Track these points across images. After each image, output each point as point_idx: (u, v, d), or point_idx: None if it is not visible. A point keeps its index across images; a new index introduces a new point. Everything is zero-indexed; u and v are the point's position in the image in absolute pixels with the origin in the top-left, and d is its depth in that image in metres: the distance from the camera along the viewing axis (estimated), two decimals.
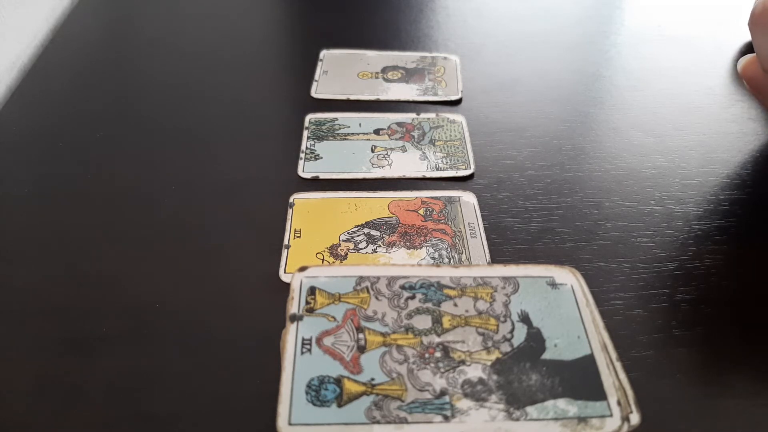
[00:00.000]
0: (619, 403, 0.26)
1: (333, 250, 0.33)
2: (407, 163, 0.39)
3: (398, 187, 0.38)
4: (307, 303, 0.30)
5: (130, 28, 0.54)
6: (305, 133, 0.41)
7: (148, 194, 0.37)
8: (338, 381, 0.27)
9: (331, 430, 0.25)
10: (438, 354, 0.28)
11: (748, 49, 0.52)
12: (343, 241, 0.34)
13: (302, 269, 0.31)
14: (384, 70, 0.48)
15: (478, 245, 0.34)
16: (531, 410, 0.26)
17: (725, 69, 0.50)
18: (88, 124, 0.42)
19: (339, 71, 0.48)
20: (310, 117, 0.43)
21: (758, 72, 0.36)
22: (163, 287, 0.31)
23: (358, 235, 0.34)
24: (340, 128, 0.42)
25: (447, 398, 0.26)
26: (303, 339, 0.28)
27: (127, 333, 0.29)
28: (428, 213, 0.36)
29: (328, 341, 0.28)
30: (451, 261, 0.33)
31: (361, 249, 0.33)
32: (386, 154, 0.40)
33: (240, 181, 0.38)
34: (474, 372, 0.27)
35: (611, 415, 0.26)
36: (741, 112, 0.45)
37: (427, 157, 0.40)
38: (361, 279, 0.31)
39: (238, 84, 0.47)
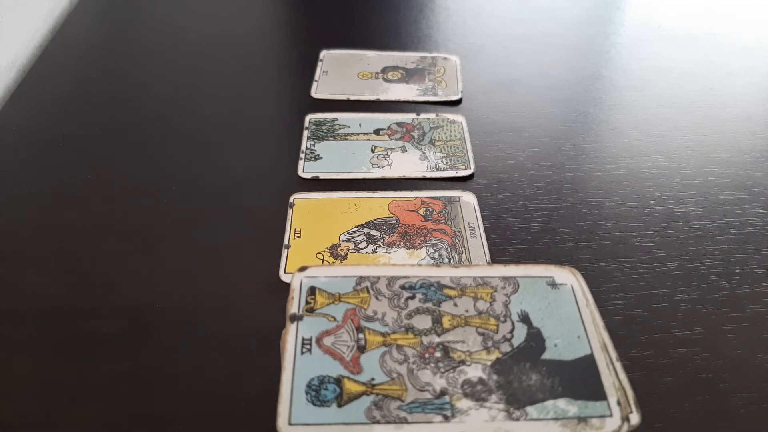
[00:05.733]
0: (619, 403, 0.26)
1: (333, 250, 0.33)
2: (407, 164, 0.39)
3: (398, 187, 0.38)
4: (307, 303, 0.30)
5: (130, 28, 0.54)
6: (305, 133, 0.41)
7: (148, 194, 0.37)
8: (338, 381, 0.27)
9: (331, 430, 0.25)
10: (438, 354, 0.28)
11: None
12: (343, 241, 0.34)
13: (302, 269, 0.31)
14: (384, 70, 0.48)
15: (478, 245, 0.34)
16: (531, 410, 0.26)
17: (725, 69, 0.50)
18: (88, 124, 0.42)
19: (339, 71, 0.48)
20: (310, 117, 0.43)
21: None
22: (163, 287, 0.31)
23: (358, 235, 0.34)
24: (340, 128, 0.42)
25: (447, 398, 0.26)
26: (303, 339, 0.28)
27: (127, 333, 0.29)
28: (428, 213, 0.36)
29: (328, 341, 0.28)
30: (451, 261, 0.33)
31: (361, 249, 0.33)
32: (386, 154, 0.40)
33: (240, 181, 0.38)
34: (474, 372, 0.27)
35: (611, 415, 0.26)
36: (741, 112, 0.45)
37: (427, 157, 0.40)
38: (361, 279, 0.31)
39: (238, 84, 0.47)
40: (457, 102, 0.45)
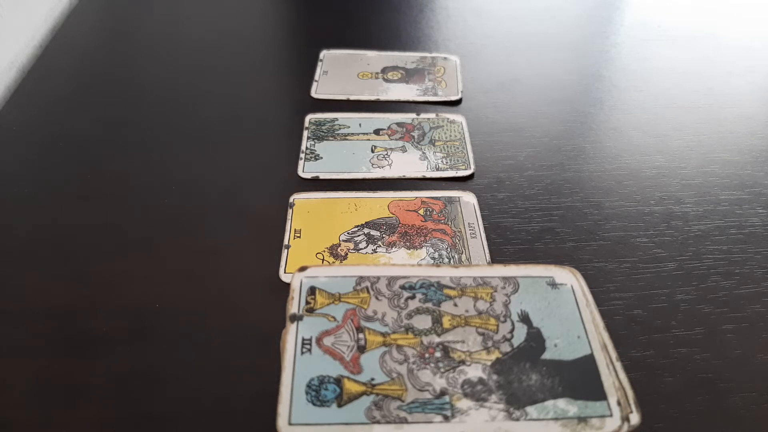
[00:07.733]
0: (619, 403, 0.26)
1: (333, 250, 0.33)
2: (407, 163, 0.39)
3: (398, 187, 0.38)
4: (307, 303, 0.30)
5: (130, 28, 0.54)
6: (305, 133, 0.41)
7: (148, 194, 0.37)
8: (338, 381, 0.27)
9: (331, 430, 0.25)
10: (438, 354, 0.28)
11: None
12: (343, 241, 0.34)
13: (302, 269, 0.31)
14: (384, 70, 0.48)
15: (478, 245, 0.34)
16: (531, 410, 0.26)
17: (725, 69, 0.50)
18: (88, 123, 0.42)
19: (339, 71, 0.48)
20: (310, 117, 0.43)
21: None
22: (163, 287, 0.31)
23: (358, 235, 0.34)
24: (340, 128, 0.42)
25: (447, 398, 0.26)
26: (303, 339, 0.28)
27: (127, 333, 0.29)
28: (428, 213, 0.36)
29: (328, 341, 0.28)
30: (451, 261, 0.33)
31: (361, 249, 0.33)
32: (386, 154, 0.40)
33: (240, 181, 0.38)
34: (474, 372, 0.27)
35: (611, 415, 0.26)
36: (740, 112, 0.45)
37: (427, 157, 0.40)
38: (361, 279, 0.31)
39: (238, 84, 0.47)
40: (457, 102, 0.45)
